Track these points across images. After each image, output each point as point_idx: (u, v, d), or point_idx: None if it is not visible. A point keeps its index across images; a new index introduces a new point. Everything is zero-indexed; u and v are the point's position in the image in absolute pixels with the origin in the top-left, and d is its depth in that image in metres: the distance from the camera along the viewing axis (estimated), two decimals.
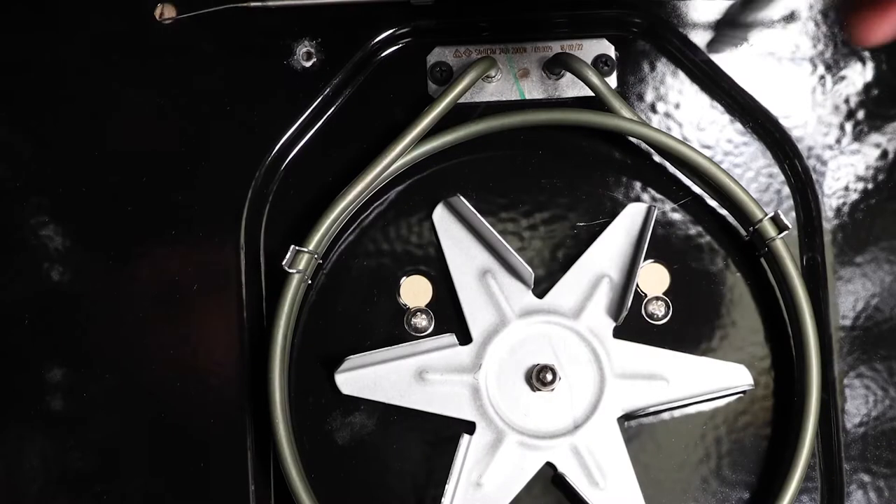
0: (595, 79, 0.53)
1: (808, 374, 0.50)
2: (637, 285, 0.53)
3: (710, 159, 0.52)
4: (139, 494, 0.52)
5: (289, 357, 0.52)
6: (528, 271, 0.52)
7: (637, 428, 0.53)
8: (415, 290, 0.54)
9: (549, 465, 0.52)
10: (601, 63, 0.54)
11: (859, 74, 0.54)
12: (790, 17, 0.54)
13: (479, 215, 0.52)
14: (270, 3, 0.54)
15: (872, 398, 0.52)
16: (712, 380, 0.52)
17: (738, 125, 0.55)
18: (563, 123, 0.53)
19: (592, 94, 0.53)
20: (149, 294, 0.53)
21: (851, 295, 0.53)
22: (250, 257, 0.53)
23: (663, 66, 0.55)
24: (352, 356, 0.52)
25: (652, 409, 0.53)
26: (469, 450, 0.52)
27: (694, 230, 0.54)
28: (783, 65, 0.54)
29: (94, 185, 0.53)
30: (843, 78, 0.54)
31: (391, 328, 0.54)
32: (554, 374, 0.51)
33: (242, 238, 0.53)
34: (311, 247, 0.51)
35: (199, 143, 0.54)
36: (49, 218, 0.53)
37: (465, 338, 0.53)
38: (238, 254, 0.53)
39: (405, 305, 0.54)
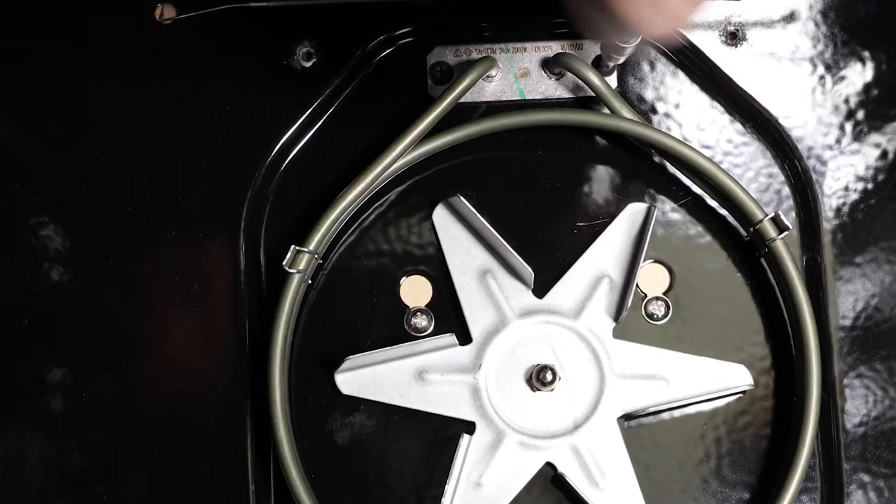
0: (595, 79, 0.53)
1: (808, 374, 0.51)
2: (637, 285, 0.53)
3: (710, 159, 0.52)
4: (139, 494, 0.52)
5: (289, 357, 0.52)
6: (528, 271, 0.52)
7: (637, 428, 0.53)
8: (415, 290, 0.54)
9: (549, 465, 0.52)
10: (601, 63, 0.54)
11: (859, 74, 0.54)
12: (790, 17, 0.54)
13: (479, 215, 0.52)
14: (270, 3, 0.54)
15: (872, 398, 0.52)
16: (712, 380, 0.52)
17: (738, 125, 0.55)
18: (563, 123, 0.53)
19: (592, 94, 0.53)
20: (149, 294, 0.53)
21: (851, 295, 0.53)
22: (250, 257, 0.53)
23: (663, 66, 0.55)
24: (352, 356, 0.52)
25: (652, 409, 0.53)
26: (469, 450, 0.52)
27: (694, 230, 0.54)
28: (783, 65, 0.54)
29: (94, 185, 0.53)
30: (843, 78, 0.54)
31: (391, 328, 0.54)
32: (554, 374, 0.51)
33: (242, 238, 0.53)
34: (311, 247, 0.51)
35: (199, 143, 0.54)
36: (49, 218, 0.53)
37: (465, 338, 0.53)
38: (238, 254, 0.53)
39: (405, 306, 0.54)
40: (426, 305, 0.54)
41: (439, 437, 0.53)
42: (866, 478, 0.52)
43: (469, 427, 0.52)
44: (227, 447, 0.52)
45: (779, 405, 0.53)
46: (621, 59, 0.51)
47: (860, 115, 0.54)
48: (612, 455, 0.52)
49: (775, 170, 0.55)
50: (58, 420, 0.52)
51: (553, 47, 0.54)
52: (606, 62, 0.53)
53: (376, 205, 0.54)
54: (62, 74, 0.54)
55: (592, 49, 0.54)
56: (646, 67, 0.55)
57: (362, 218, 0.54)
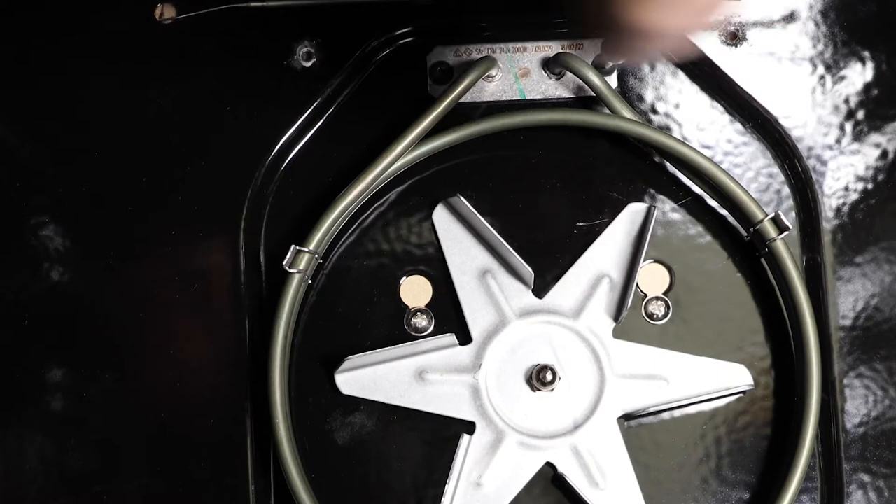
0: (595, 79, 0.53)
1: (808, 374, 0.51)
2: (637, 285, 0.53)
3: (710, 159, 0.52)
4: (139, 494, 0.52)
5: (289, 357, 0.52)
6: (528, 271, 0.52)
7: (637, 428, 0.53)
8: (415, 290, 0.54)
9: (549, 465, 0.52)
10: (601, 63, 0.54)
11: (859, 74, 0.54)
12: (790, 17, 0.54)
13: (479, 215, 0.52)
14: (270, 3, 0.54)
15: (872, 398, 0.52)
16: (712, 380, 0.52)
17: (738, 125, 0.55)
18: (563, 123, 0.53)
19: (592, 94, 0.53)
20: (148, 294, 0.53)
21: (851, 295, 0.53)
22: (250, 257, 0.53)
23: (663, 66, 0.55)
24: (352, 356, 0.52)
25: (652, 409, 0.53)
26: (469, 450, 0.52)
27: (694, 230, 0.54)
28: (783, 65, 0.54)
29: (94, 185, 0.53)
30: (843, 78, 0.54)
31: (391, 328, 0.54)
32: (554, 374, 0.51)
33: (242, 238, 0.53)
34: (311, 247, 0.51)
35: (199, 143, 0.54)
36: (49, 218, 0.53)
37: (465, 338, 0.53)
38: (238, 254, 0.53)
39: (405, 306, 0.54)
40: (426, 305, 0.54)
41: (439, 437, 0.53)
42: (866, 478, 0.52)
43: (469, 427, 0.52)
44: (227, 447, 0.52)
45: (779, 405, 0.53)
46: (622, 60, 0.51)
47: (860, 115, 0.54)
48: (612, 455, 0.52)
49: (775, 170, 0.55)
50: (58, 420, 0.52)
51: (553, 47, 0.54)
52: (606, 62, 0.53)
53: (376, 205, 0.54)
54: (62, 74, 0.54)
55: (592, 49, 0.54)
56: (646, 67, 0.55)
57: (362, 218, 0.54)
